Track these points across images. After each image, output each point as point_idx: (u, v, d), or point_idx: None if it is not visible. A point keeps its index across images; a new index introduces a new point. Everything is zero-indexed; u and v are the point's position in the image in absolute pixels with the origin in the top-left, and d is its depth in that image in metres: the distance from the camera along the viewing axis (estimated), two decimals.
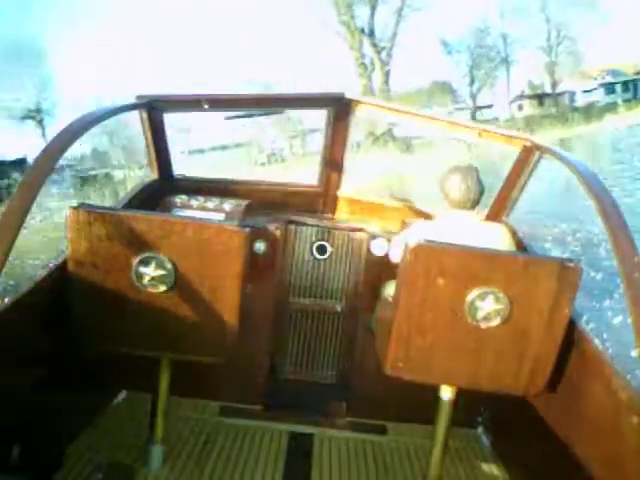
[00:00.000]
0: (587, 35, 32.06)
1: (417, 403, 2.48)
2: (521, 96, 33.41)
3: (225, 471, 2.21)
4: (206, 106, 2.76)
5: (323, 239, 2.88)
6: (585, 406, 1.88)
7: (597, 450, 1.77)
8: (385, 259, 2.66)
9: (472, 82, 32.32)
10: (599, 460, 1.76)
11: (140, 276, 1.85)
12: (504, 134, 2.77)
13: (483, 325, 1.89)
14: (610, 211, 1.84)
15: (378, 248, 2.76)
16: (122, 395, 2.64)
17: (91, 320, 1.90)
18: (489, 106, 32.03)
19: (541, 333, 1.90)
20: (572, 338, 1.95)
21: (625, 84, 33.00)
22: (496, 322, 1.89)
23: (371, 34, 28.85)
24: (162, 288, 1.87)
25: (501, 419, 2.55)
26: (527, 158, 2.63)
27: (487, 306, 1.87)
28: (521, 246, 2.48)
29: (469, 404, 2.53)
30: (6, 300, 1.81)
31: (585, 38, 32.60)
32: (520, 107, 32.80)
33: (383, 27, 29.14)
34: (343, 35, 28.79)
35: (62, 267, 1.92)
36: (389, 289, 2.41)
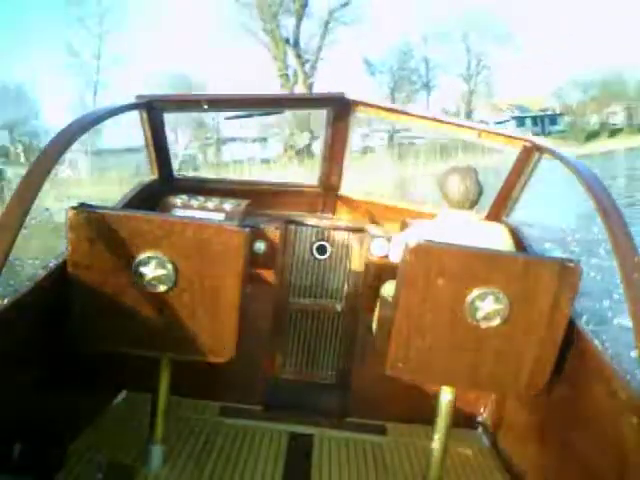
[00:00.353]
0: (502, 68, 32.75)
1: (417, 403, 2.48)
2: None
3: (225, 471, 2.21)
4: (206, 106, 2.76)
5: (323, 239, 2.88)
6: (585, 406, 1.88)
7: (597, 450, 1.77)
8: (385, 259, 2.66)
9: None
10: (599, 460, 1.76)
11: (140, 276, 1.85)
12: (504, 134, 2.78)
13: (483, 325, 1.89)
14: (610, 211, 1.84)
15: (378, 248, 2.76)
16: (122, 395, 2.64)
17: (91, 320, 1.90)
18: (407, 130, 30.44)
19: (541, 333, 1.90)
20: (572, 338, 1.95)
21: (534, 118, 34.33)
22: (496, 322, 1.89)
23: (296, 45, 28.09)
24: (162, 288, 1.87)
25: (501, 419, 2.55)
26: (527, 158, 2.64)
27: (487, 306, 1.87)
28: (521, 246, 2.48)
29: (469, 404, 2.54)
30: (6, 300, 1.82)
31: (500, 71, 33.79)
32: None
33: (309, 39, 28.48)
34: (267, 44, 28.03)
35: (62, 267, 1.92)
36: (389, 289, 2.41)
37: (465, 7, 34.41)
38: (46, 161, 1.75)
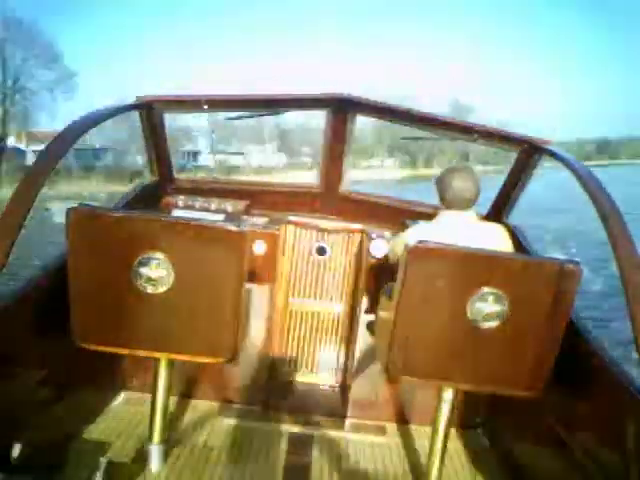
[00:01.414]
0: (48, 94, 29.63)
1: (417, 403, 2.48)
2: None
3: (225, 471, 2.21)
4: (205, 107, 2.76)
5: (323, 240, 2.88)
6: (585, 406, 1.89)
7: (597, 450, 1.77)
8: (384, 259, 2.66)
9: None
10: (599, 460, 1.76)
11: (140, 276, 1.85)
12: (502, 134, 2.78)
13: (483, 325, 1.89)
14: (610, 212, 1.85)
15: (378, 248, 2.76)
16: (122, 395, 2.64)
17: (91, 320, 1.90)
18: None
19: (541, 333, 1.90)
20: (572, 338, 1.95)
21: (79, 151, 30.29)
22: (496, 322, 1.89)
23: None
24: (162, 288, 1.87)
25: (501, 419, 2.55)
26: (527, 158, 2.64)
27: (487, 306, 1.87)
28: (520, 246, 2.48)
29: (469, 404, 2.53)
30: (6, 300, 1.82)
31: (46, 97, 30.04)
32: None
33: None
34: None
35: (62, 267, 1.92)
36: (389, 289, 2.41)
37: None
38: (47, 161, 1.75)
